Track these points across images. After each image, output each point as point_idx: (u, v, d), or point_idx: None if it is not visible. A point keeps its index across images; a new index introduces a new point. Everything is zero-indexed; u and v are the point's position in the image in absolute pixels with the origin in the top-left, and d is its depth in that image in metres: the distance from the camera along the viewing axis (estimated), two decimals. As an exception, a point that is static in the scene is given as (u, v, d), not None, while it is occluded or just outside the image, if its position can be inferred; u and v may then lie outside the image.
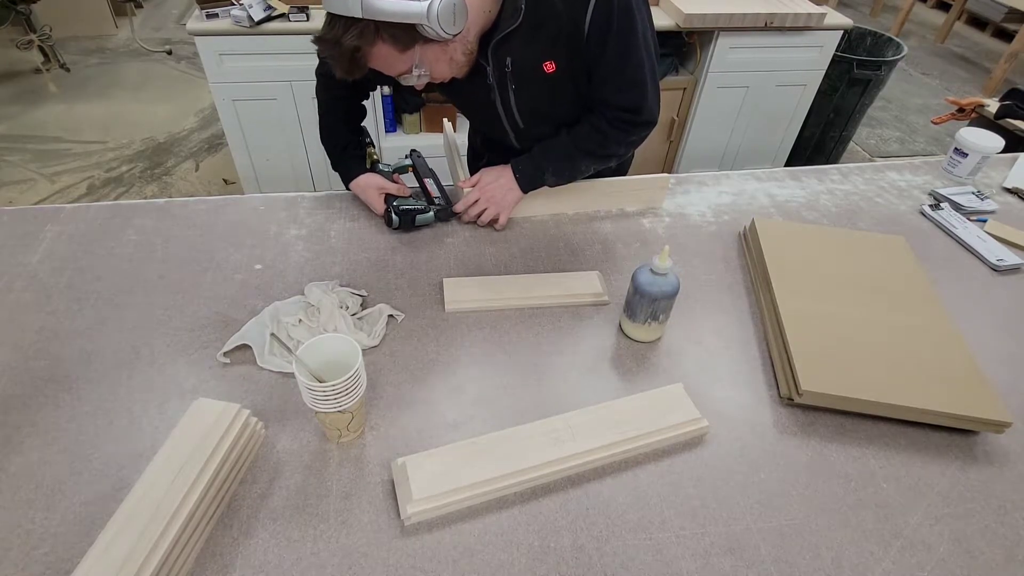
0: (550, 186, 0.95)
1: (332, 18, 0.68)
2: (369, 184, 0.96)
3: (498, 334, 0.79)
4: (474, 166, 1.06)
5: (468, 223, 0.97)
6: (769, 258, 0.88)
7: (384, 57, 0.72)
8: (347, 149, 1.00)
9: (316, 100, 1.01)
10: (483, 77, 0.85)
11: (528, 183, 0.93)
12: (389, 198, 0.94)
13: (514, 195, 0.94)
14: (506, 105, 0.89)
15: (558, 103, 0.89)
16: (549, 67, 0.82)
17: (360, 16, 0.65)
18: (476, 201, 0.94)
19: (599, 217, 1.02)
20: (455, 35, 0.71)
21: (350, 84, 0.82)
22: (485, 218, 0.95)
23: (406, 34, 0.69)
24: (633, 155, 1.08)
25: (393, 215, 0.92)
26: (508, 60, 0.82)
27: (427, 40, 0.71)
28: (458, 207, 0.95)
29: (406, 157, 0.99)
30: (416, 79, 0.76)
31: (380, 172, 0.97)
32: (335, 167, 1.01)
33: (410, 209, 0.93)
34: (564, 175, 0.94)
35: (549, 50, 0.80)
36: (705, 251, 0.96)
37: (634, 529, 0.59)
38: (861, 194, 1.13)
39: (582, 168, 0.92)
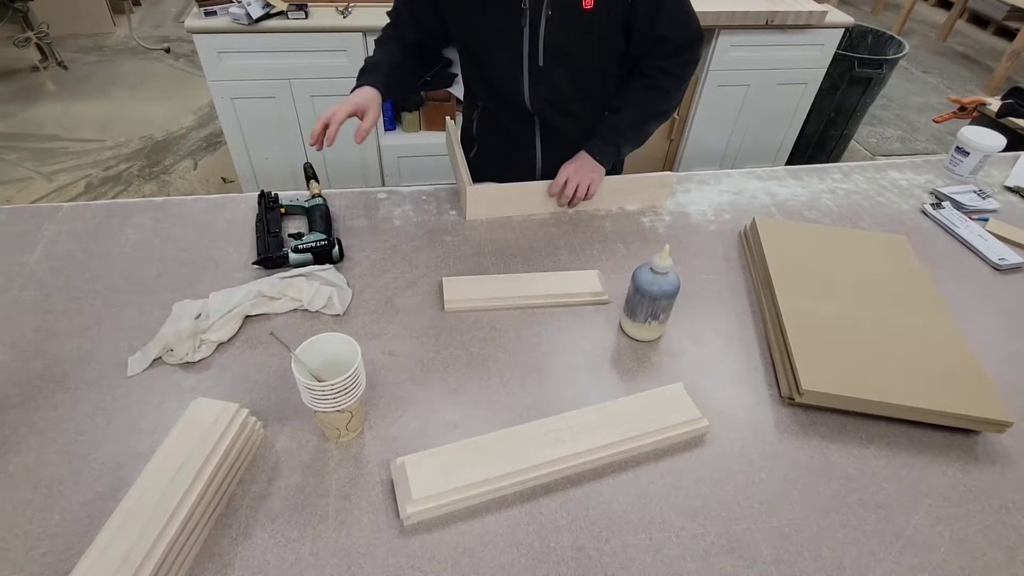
0: (625, 155, 1.00)
1: None
2: (354, 97, 0.84)
3: (498, 334, 0.79)
4: (467, 157, 1.05)
5: (563, 206, 0.99)
6: (770, 257, 0.87)
7: None
8: (381, 68, 0.90)
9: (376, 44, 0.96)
10: (518, 1, 0.82)
11: (607, 159, 0.96)
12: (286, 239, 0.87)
13: (600, 171, 0.97)
14: (534, 37, 0.84)
15: (587, 47, 0.87)
16: (588, 2, 0.80)
17: None
18: (566, 183, 0.94)
19: (599, 216, 1.02)
20: None
21: (416, 30, 0.89)
22: (580, 192, 0.95)
23: None
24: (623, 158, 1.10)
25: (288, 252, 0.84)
26: None
27: None
28: (552, 191, 0.96)
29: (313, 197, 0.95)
30: None
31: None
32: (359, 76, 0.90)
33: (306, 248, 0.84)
34: (637, 142, 0.97)
35: None
36: (706, 250, 0.96)
37: (634, 529, 0.58)
38: (862, 193, 1.13)
39: (649, 131, 0.95)
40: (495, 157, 1.09)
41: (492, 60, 0.92)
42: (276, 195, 0.97)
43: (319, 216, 0.92)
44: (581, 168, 0.95)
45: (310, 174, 1.02)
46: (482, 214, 0.89)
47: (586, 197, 0.96)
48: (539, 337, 0.79)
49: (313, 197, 0.97)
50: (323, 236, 0.86)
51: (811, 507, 0.62)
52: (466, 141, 1.14)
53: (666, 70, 0.87)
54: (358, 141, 0.80)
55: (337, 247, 0.86)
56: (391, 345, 0.76)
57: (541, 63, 0.88)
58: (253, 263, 0.85)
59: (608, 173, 1.03)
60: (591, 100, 0.97)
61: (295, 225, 0.94)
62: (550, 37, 0.85)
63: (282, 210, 0.95)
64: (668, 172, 1.03)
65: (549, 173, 1.00)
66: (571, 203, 0.98)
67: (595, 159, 0.95)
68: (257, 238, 0.89)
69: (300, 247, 0.85)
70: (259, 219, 0.92)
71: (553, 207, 1.01)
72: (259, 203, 0.95)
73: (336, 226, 0.94)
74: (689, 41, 0.87)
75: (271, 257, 0.84)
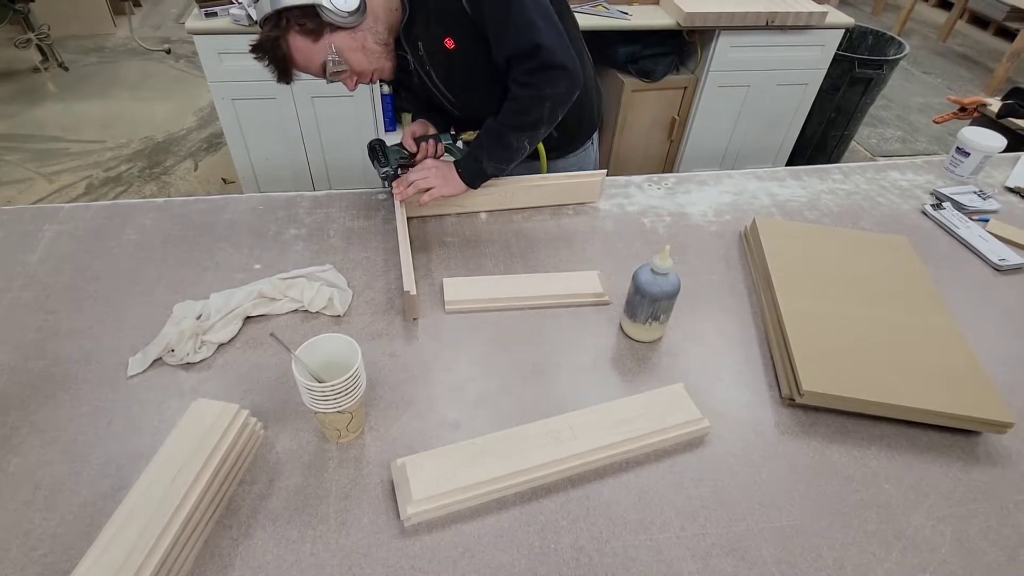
0: (495, 174, 0.94)
1: (260, 27, 0.80)
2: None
3: (498, 334, 0.79)
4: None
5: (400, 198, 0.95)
6: (770, 258, 0.87)
7: (301, 50, 0.80)
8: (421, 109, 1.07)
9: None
10: (409, 66, 0.91)
11: (471, 178, 0.94)
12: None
13: (452, 185, 0.94)
14: (434, 84, 0.93)
15: (474, 76, 0.91)
16: (449, 43, 0.86)
17: (269, 9, 0.76)
18: (413, 184, 0.94)
19: (600, 216, 1.02)
20: (354, 18, 0.78)
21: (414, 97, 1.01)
22: (414, 189, 0.93)
23: (312, 22, 0.77)
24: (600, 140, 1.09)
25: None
26: (419, 44, 0.87)
27: (335, 28, 0.78)
28: (397, 183, 0.95)
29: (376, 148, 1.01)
30: (333, 69, 0.81)
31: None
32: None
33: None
34: (502, 158, 0.92)
35: (445, 28, 0.85)
36: (706, 251, 0.96)
37: (635, 530, 0.58)
38: (863, 194, 1.13)
39: (514, 144, 0.90)
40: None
41: (433, 107, 1.04)
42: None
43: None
44: (440, 171, 0.94)
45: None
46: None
47: (421, 201, 0.94)
48: (539, 337, 0.79)
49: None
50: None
51: (812, 507, 0.62)
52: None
53: (518, 81, 0.87)
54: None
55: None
56: (391, 346, 0.76)
57: (453, 99, 0.96)
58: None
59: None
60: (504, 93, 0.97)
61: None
62: (443, 81, 0.93)
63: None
64: (600, 170, 1.02)
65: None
66: (401, 196, 0.94)
67: (459, 173, 0.93)
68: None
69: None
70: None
71: (482, 208, 1.00)
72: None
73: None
74: (526, 52, 0.83)
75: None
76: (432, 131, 1.03)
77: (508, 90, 0.89)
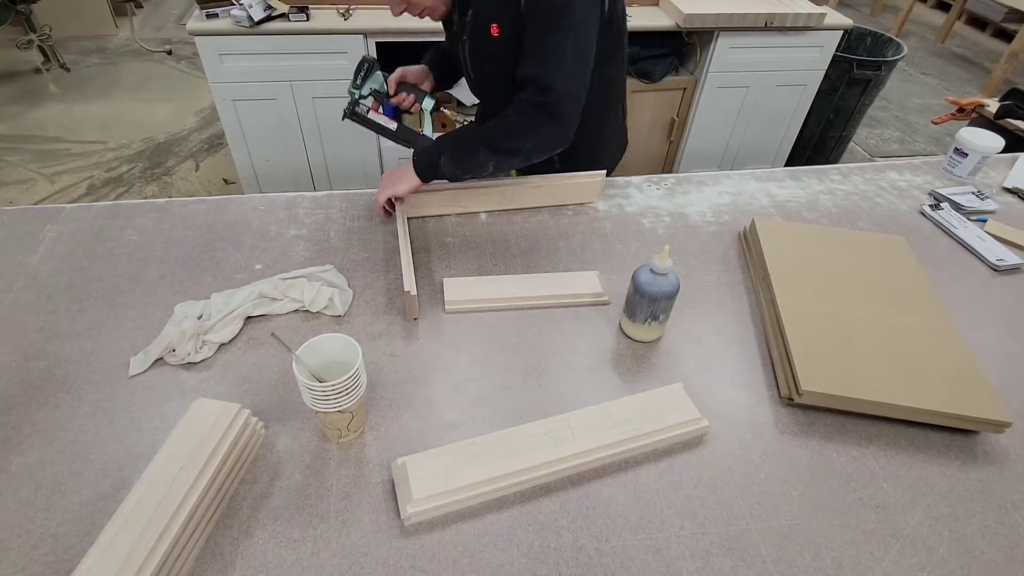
0: (448, 176, 0.89)
1: None
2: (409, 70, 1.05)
3: (498, 334, 0.79)
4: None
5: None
6: (769, 258, 0.88)
7: None
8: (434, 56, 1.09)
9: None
10: (453, 25, 0.92)
11: (423, 169, 0.90)
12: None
13: (408, 182, 0.91)
14: (464, 54, 0.94)
15: (501, 69, 0.88)
16: (495, 30, 0.85)
17: None
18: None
19: (599, 216, 1.02)
20: None
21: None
22: (380, 198, 0.94)
23: None
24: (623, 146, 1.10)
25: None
26: (469, 11, 0.88)
27: None
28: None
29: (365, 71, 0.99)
30: (400, 3, 0.85)
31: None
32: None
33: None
34: (461, 164, 0.88)
35: (498, 12, 0.84)
36: (705, 251, 0.96)
37: (634, 529, 0.59)
38: (861, 194, 1.13)
39: (480, 159, 0.86)
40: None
41: (461, 69, 1.05)
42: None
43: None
44: (393, 176, 0.93)
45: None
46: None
47: (388, 212, 0.96)
48: (539, 337, 0.79)
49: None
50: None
51: (810, 507, 0.62)
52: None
53: (518, 106, 0.84)
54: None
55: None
56: (392, 346, 0.76)
57: (473, 76, 0.99)
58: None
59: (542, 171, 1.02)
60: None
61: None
62: (472, 58, 0.94)
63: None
64: (599, 171, 1.01)
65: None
66: (380, 214, 0.96)
67: (413, 162, 0.91)
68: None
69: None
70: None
71: (469, 208, 1.00)
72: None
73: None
74: (537, 85, 0.81)
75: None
76: (425, 84, 1.05)
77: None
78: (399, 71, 1.04)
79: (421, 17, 0.91)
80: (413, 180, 0.90)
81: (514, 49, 0.84)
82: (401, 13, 0.88)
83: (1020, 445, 0.69)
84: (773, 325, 0.80)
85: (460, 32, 0.91)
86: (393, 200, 0.95)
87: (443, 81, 1.10)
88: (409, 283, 0.78)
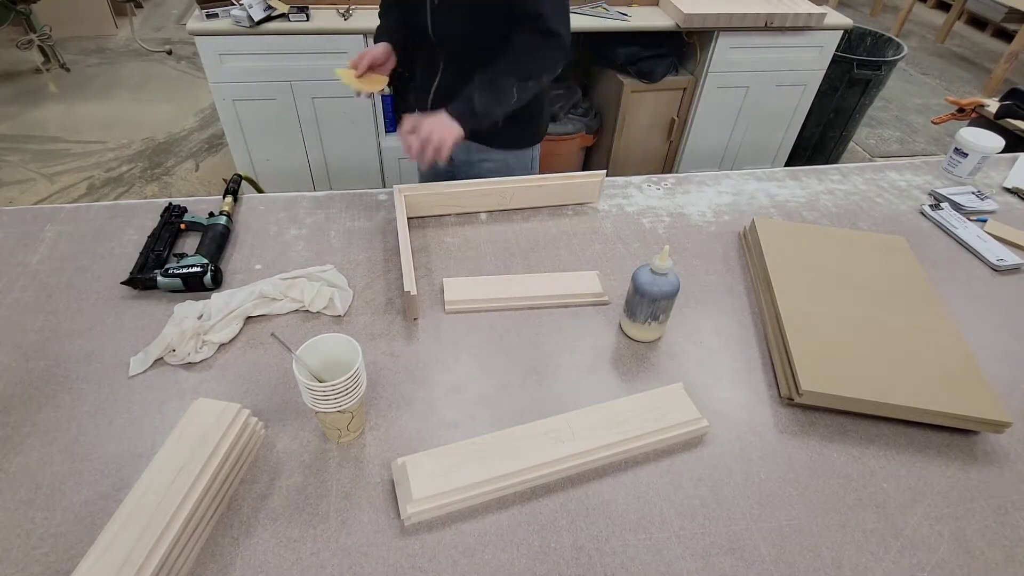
0: (483, 113, 0.92)
1: None
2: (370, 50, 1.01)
3: (498, 334, 0.79)
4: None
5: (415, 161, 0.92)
6: (769, 258, 0.88)
7: None
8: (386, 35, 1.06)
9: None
10: None
11: (459, 112, 0.91)
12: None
13: (454, 130, 0.90)
14: (427, 14, 0.96)
15: (476, 23, 0.95)
16: None
17: None
18: (417, 141, 0.90)
19: (599, 216, 1.02)
20: None
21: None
22: (429, 151, 0.89)
23: None
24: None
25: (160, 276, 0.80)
26: None
27: None
28: (402, 141, 0.92)
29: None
30: None
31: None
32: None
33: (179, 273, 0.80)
34: (492, 96, 0.92)
35: None
36: (705, 251, 0.96)
37: (634, 529, 0.59)
38: (861, 194, 1.13)
39: (504, 86, 0.92)
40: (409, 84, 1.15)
41: (410, 18, 1.04)
42: (182, 208, 0.93)
43: (210, 237, 0.86)
44: (434, 124, 0.90)
45: (232, 188, 0.97)
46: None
47: (436, 155, 0.90)
48: (539, 337, 0.79)
49: (217, 215, 0.91)
50: (202, 260, 0.81)
51: (810, 507, 0.62)
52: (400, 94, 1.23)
53: (519, 37, 0.92)
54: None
55: (210, 275, 0.79)
56: (392, 346, 0.76)
57: (439, 37, 0.99)
58: (121, 283, 0.80)
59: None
60: (487, 37, 0.98)
61: (192, 244, 0.88)
62: (434, 17, 0.95)
63: (182, 225, 0.90)
64: (600, 171, 1.02)
65: (445, 94, 1.00)
66: (423, 157, 0.90)
67: (450, 115, 0.91)
68: (139, 253, 0.84)
69: (171, 271, 0.79)
70: (152, 233, 0.88)
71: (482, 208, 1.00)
72: (161, 215, 0.92)
73: (230, 249, 0.88)
74: (530, 15, 0.90)
75: (138, 279, 0.80)
76: (389, 63, 1.02)
77: (491, 45, 0.93)
78: (367, 59, 0.99)
79: None
80: (457, 130, 0.91)
81: None
82: None
83: (1020, 445, 0.69)
84: (773, 325, 0.80)
85: None
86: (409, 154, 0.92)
87: (404, 59, 1.07)
88: (409, 283, 0.78)
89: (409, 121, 0.92)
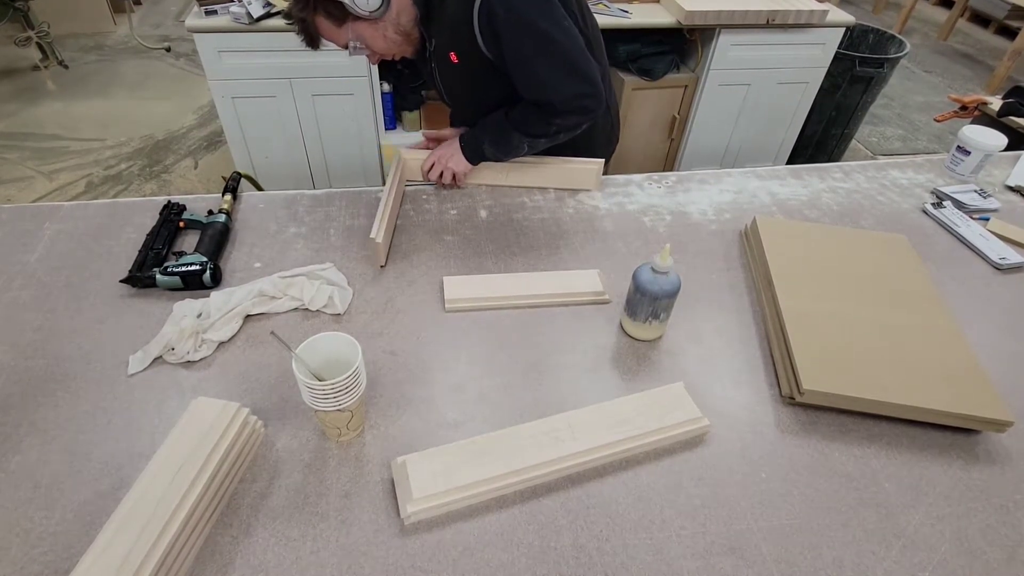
0: (492, 158, 1.01)
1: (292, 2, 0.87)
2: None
3: (498, 333, 0.79)
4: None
5: (432, 183, 1.06)
6: (771, 257, 0.87)
7: (326, 29, 0.87)
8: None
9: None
10: (427, 53, 0.97)
11: (470, 152, 1.00)
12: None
13: (461, 162, 1.01)
14: (436, 78, 1.01)
15: (474, 90, 0.99)
16: (453, 57, 0.92)
17: None
18: (434, 164, 1.03)
19: (600, 215, 1.02)
20: (375, 14, 0.84)
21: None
22: (446, 178, 1.03)
23: (338, 10, 0.84)
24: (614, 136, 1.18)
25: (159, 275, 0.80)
26: (433, 41, 0.93)
27: (356, 17, 0.84)
28: (423, 167, 1.04)
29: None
30: (354, 51, 0.90)
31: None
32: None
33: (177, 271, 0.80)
34: (501, 148, 0.99)
35: (453, 43, 0.90)
36: (706, 250, 0.96)
37: (634, 528, 0.59)
38: (863, 192, 1.13)
39: (514, 142, 0.97)
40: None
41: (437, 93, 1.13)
42: (181, 206, 0.93)
43: (209, 235, 0.86)
44: (445, 153, 1.02)
45: (231, 186, 0.97)
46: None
47: (454, 183, 1.04)
48: (539, 337, 0.79)
49: (216, 212, 0.91)
50: (201, 258, 0.80)
51: (811, 506, 0.62)
52: None
53: (530, 107, 0.94)
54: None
55: (209, 273, 0.79)
56: (392, 344, 0.76)
57: (448, 100, 1.08)
58: (120, 281, 0.80)
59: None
60: (494, 103, 1.01)
61: (191, 243, 0.88)
62: (444, 82, 1.01)
63: (181, 223, 0.90)
64: (598, 159, 1.05)
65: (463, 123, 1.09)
66: (439, 183, 1.04)
67: (460, 147, 1.00)
68: (138, 252, 0.84)
69: (170, 269, 0.79)
70: (151, 231, 0.88)
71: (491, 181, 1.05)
72: (160, 213, 0.92)
73: (229, 248, 0.88)
74: (540, 106, 0.91)
75: (137, 277, 0.79)
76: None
77: (500, 105, 0.96)
78: (430, 136, 1.09)
79: (395, 60, 0.97)
80: (465, 163, 1.01)
81: (473, 70, 0.92)
82: (377, 63, 0.96)
83: (1022, 444, 0.69)
84: (774, 324, 0.80)
85: (430, 60, 0.97)
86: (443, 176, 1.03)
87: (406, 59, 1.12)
88: (376, 232, 0.83)
89: (430, 157, 1.02)
